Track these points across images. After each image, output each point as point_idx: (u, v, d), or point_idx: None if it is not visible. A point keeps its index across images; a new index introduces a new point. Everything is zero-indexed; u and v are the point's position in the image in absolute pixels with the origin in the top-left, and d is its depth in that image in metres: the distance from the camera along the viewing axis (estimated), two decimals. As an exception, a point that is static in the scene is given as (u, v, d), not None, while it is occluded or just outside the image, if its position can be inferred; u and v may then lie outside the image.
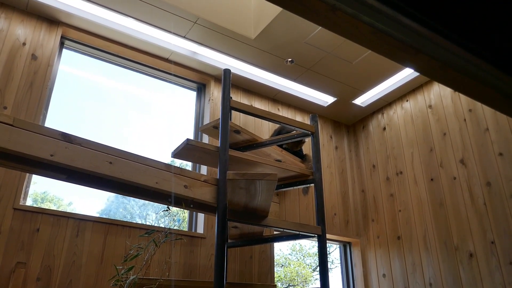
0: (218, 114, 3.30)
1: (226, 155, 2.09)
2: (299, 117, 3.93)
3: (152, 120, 3.33)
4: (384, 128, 3.90)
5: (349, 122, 4.32)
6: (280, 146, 3.10)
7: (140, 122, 3.26)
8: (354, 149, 4.19)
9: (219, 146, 2.13)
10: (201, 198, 1.95)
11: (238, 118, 3.48)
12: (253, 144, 2.71)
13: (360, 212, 3.90)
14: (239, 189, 1.77)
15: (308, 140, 3.24)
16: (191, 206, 1.99)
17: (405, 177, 3.58)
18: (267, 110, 3.55)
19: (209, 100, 3.41)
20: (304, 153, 3.28)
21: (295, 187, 2.54)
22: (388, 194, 3.69)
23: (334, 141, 4.11)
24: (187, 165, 3.34)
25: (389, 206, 3.64)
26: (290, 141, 2.63)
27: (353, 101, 3.87)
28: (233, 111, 3.06)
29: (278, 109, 3.82)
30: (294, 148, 3.14)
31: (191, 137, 3.35)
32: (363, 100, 3.89)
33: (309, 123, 2.72)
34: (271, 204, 2.26)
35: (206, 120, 3.32)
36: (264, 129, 3.62)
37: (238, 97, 3.58)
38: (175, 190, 1.91)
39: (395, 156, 3.72)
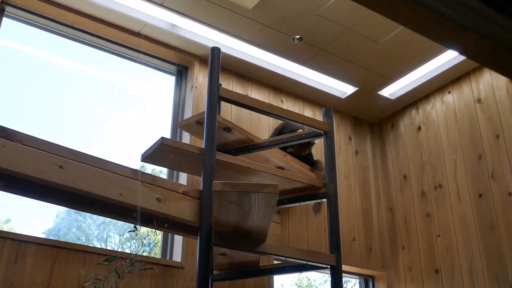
0: (203, 106, 3.30)
1: (212, 159, 2.09)
2: (308, 112, 3.94)
3: (118, 112, 3.33)
4: (419, 128, 3.92)
5: (373, 120, 4.33)
6: (284, 149, 3.11)
7: (103, 115, 3.26)
8: (380, 155, 4.21)
9: (204, 147, 2.13)
10: (178, 216, 1.95)
11: (229, 112, 3.49)
12: (248, 146, 2.71)
13: (387, 237, 3.91)
14: (229, 204, 1.77)
15: (319, 141, 3.24)
16: (166, 225, 1.99)
17: (445, 192, 3.59)
18: (267, 101, 3.56)
19: (192, 87, 3.41)
20: (314, 158, 3.29)
21: (302, 203, 2.54)
22: (423, 213, 3.70)
23: (354, 144, 4.12)
24: (162, 172, 3.33)
25: (425, 230, 3.65)
26: (295, 142, 2.64)
27: (379, 92, 3.89)
28: (222, 103, 3.05)
29: (282, 101, 3.83)
30: (301, 152, 3.15)
31: (168, 135, 3.36)
32: (392, 90, 3.91)
33: (321, 119, 2.72)
34: (271, 224, 2.26)
35: (188, 114, 3.33)
36: (263, 127, 3.63)
37: (229, 85, 3.58)
38: (145, 205, 1.90)
39: (433, 164, 3.74)
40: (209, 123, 2.19)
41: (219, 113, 2.95)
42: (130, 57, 3.38)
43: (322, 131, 2.53)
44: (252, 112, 3.41)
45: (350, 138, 4.13)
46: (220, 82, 2.40)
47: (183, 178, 3.15)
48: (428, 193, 3.71)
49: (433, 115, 3.86)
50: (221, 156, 2.21)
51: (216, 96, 2.27)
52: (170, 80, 3.56)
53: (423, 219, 3.68)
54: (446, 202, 3.56)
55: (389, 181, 4.04)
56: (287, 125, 3.15)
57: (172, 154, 2.20)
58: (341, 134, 4.09)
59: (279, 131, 3.21)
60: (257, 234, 2.03)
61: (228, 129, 2.62)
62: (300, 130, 2.69)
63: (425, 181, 3.75)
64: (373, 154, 4.23)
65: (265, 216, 1.86)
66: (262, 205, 1.77)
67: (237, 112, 3.53)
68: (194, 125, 2.63)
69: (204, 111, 2.29)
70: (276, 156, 2.95)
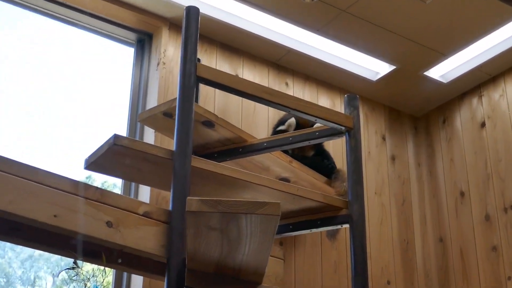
0: (173, 91, 3.31)
1: (186, 166, 2.11)
2: (324, 100, 3.97)
3: (55, 101, 3.34)
4: (483, 124, 3.95)
5: (418, 112, 4.35)
6: (288, 152, 3.13)
7: (34, 99, 3.27)
8: (427, 162, 4.23)
9: (174, 149, 2.14)
10: (137, 247, 1.96)
11: (211, 100, 3.50)
12: (237, 147, 2.72)
13: (436, 280, 3.95)
14: (209, 230, 1.78)
15: (341, 141, 3.27)
16: (119, 261, 2.00)
17: (519, 216, 3.63)
18: (266, 85, 3.58)
19: (158, 64, 3.43)
20: (332, 165, 3.31)
21: (314, 230, 2.56)
22: (488, 246, 3.72)
23: (389, 146, 4.15)
24: (116, 185, 3.35)
25: (490, 269, 3.67)
26: (306, 143, 2.66)
27: (425, 73, 3.92)
28: (202, 86, 3.07)
29: (286, 84, 3.85)
30: (304, 152, 3.22)
31: (123, 132, 3.37)
32: (444, 70, 3.93)
33: (342, 110, 2.74)
34: (269, 260, 2.26)
35: (152, 102, 3.34)
36: (260, 121, 3.65)
37: (212, 60, 3.60)
38: (91, 231, 1.91)
39: (502, 176, 3.77)
40: (182, 115, 2.20)
41: (196, 101, 2.98)
42: (73, 21, 3.38)
43: (343, 128, 2.54)
44: (244, 100, 3.43)
45: (383, 138, 4.16)
46: (198, 56, 2.41)
47: (144, 193, 3.16)
48: (494, 217, 3.74)
49: (503, 106, 3.89)
50: (199, 163, 2.22)
51: (192, 77, 2.27)
52: (128, 54, 3.57)
53: (488, 254, 3.71)
54: (521, 230, 3.59)
55: (440, 200, 4.07)
56: (299, 119, 3.17)
57: (129, 159, 2.20)
58: (371, 132, 4.12)
59: (278, 124, 3.24)
60: (250, 274, 2.02)
61: (209, 123, 2.61)
62: (318, 125, 2.69)
63: (490, 200, 3.78)
64: (417, 161, 4.25)
65: (261, 248, 1.86)
66: (257, 232, 1.78)
67: (223, 100, 3.56)
68: (160, 117, 2.64)
69: (175, 98, 2.30)
70: (278, 163, 2.96)
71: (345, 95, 2.67)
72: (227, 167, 2.32)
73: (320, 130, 2.62)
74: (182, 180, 2.09)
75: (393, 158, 4.14)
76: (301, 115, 2.53)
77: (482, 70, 3.90)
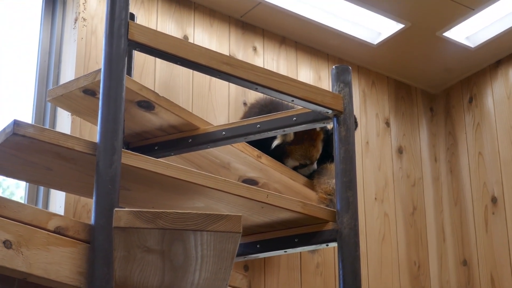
0: (98, 59, 3.31)
1: (114, 164, 2.10)
2: (306, 71, 3.99)
3: None
4: (524, 104, 4.01)
5: (434, 87, 4.41)
6: (262, 144, 3.13)
7: None
8: (446, 156, 4.28)
9: (98, 141, 2.15)
10: (47, 276, 1.96)
11: (151, 74, 3.49)
12: (186, 137, 2.74)
13: (459, 316, 4.00)
14: (146, 253, 1.80)
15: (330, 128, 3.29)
16: (22, 295, 2.01)
17: None
18: (226, 50, 3.59)
19: (75, 19, 3.40)
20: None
21: (290, 251, 2.59)
22: (528, 270, 3.79)
23: (394, 135, 4.20)
24: (19, 186, 3.33)
25: (531, 302, 3.73)
26: (280, 131, 2.69)
27: (445, 34, 3.95)
28: (139, 55, 3.04)
29: (254, 49, 3.86)
30: (309, 157, 3.27)
31: (27, 115, 3.35)
32: (472, 30, 3.97)
33: (329, 88, 2.76)
34: (229, 291, 2.30)
35: (68, 73, 3.33)
36: (218, 100, 3.65)
37: (152, 16, 3.59)
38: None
39: (548, 174, 3.83)
40: (108, 93, 2.19)
41: (129, 74, 2.97)
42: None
43: (330, 111, 2.57)
44: (196, 72, 3.42)
45: (387, 124, 4.20)
46: (133, 11, 2.41)
47: (58, 200, 3.16)
48: (538, 230, 3.80)
49: (550, 79, 3.95)
50: (133, 159, 2.22)
51: (122, 41, 2.27)
52: (35, 6, 3.54)
53: (528, 281, 3.77)
54: None
55: (464, 208, 4.13)
56: (281, 103, 3.19)
57: (34, 154, 2.21)
58: (370, 115, 4.16)
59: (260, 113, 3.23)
60: (202, 311, 2.06)
61: (147, 104, 2.62)
62: (291, 111, 2.72)
63: (533, 206, 3.84)
64: (434, 155, 4.31)
65: (216, 277, 1.88)
66: (210, 255, 1.80)
67: (167, 73, 3.56)
68: (79, 96, 2.64)
69: (99, 70, 2.31)
70: (242, 159, 2.99)
71: (333, 67, 2.69)
72: (171, 166, 2.31)
73: (298, 115, 2.64)
74: (108, 184, 2.08)
75: (400, 151, 4.18)
76: (273, 94, 2.55)
77: (523, 31, 3.95)
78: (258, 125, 2.67)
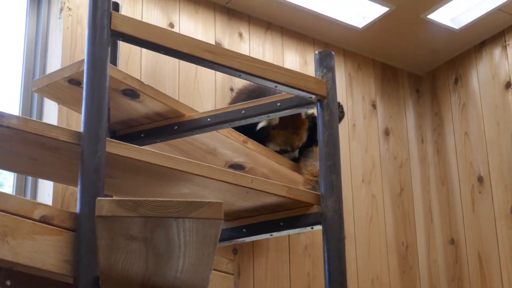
0: (82, 48, 3.28)
1: (99, 153, 2.11)
2: (292, 56, 3.99)
3: None
4: (509, 85, 4.01)
5: (420, 69, 4.42)
6: (247, 128, 3.13)
7: None
8: (433, 137, 4.31)
9: (82, 130, 2.15)
10: (33, 264, 1.95)
11: (136, 61, 3.50)
12: (172, 124, 2.75)
13: (446, 295, 4.04)
14: (129, 241, 1.79)
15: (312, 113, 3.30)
16: (8, 284, 2.01)
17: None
18: (212, 37, 3.60)
19: (61, 9, 3.38)
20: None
21: (275, 234, 2.61)
22: (515, 249, 3.81)
23: (381, 117, 4.22)
24: (6, 177, 3.34)
25: (518, 280, 3.76)
26: (264, 117, 2.71)
27: (429, 16, 3.95)
28: (125, 45, 3.03)
29: (240, 35, 3.87)
30: (291, 143, 3.28)
31: (14, 106, 3.34)
32: (456, 12, 3.97)
33: (313, 73, 2.76)
34: (214, 277, 2.29)
35: (55, 63, 3.32)
36: (204, 87, 3.66)
37: (137, 5, 3.58)
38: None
39: (532, 154, 3.84)
40: (92, 82, 2.19)
41: (115, 64, 2.97)
42: None
43: (313, 96, 2.59)
44: (182, 62, 3.42)
45: (374, 106, 4.22)
46: (117, 0, 2.40)
47: (46, 189, 3.17)
48: (524, 209, 3.80)
49: (536, 59, 3.96)
50: (118, 148, 2.22)
51: (105, 31, 2.28)
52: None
53: (515, 260, 3.79)
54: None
55: (451, 189, 4.15)
56: (268, 88, 3.20)
57: (20, 145, 2.22)
58: (356, 98, 4.17)
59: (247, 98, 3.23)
60: (187, 297, 2.07)
61: (132, 93, 2.63)
62: (276, 96, 2.73)
63: (518, 186, 3.85)
64: (420, 136, 4.32)
65: (200, 262, 1.88)
66: (193, 242, 1.80)
67: (153, 61, 3.56)
68: (65, 86, 2.64)
69: (84, 60, 2.31)
70: (228, 144, 3.00)
71: (316, 52, 2.71)
72: (156, 153, 2.32)
73: (282, 100, 2.66)
74: (93, 173, 2.09)
75: (387, 133, 4.20)
76: (256, 81, 2.56)
77: (507, 11, 3.94)
78: (243, 111, 2.68)
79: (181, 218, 1.72)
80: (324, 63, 2.66)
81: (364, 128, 4.12)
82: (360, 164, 4.03)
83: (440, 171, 4.24)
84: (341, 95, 4.01)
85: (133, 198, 1.74)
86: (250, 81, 2.66)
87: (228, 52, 2.54)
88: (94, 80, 2.21)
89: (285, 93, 2.63)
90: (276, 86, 2.56)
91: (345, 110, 3.95)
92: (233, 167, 3.12)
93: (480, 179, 4.01)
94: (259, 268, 3.53)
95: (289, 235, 3.59)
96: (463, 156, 4.13)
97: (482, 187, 3.99)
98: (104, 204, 1.72)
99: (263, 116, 2.71)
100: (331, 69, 2.65)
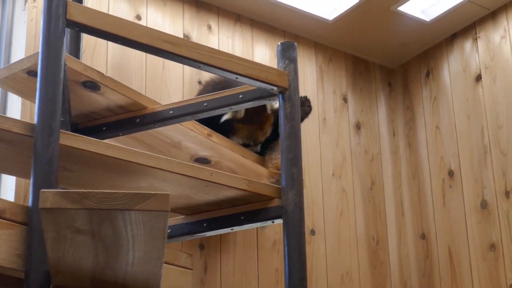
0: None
1: (52, 145, 2.09)
2: (261, 48, 3.99)
3: None
4: (479, 77, 4.01)
5: (392, 62, 4.41)
6: (211, 120, 3.12)
7: None
8: (404, 130, 4.30)
9: (35, 122, 2.13)
10: None
11: (102, 53, 3.47)
12: (134, 117, 2.74)
13: (417, 290, 4.04)
14: (76, 233, 1.78)
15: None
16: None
17: (526, 201, 3.71)
18: (180, 29, 3.58)
19: (25, 1, 3.37)
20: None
21: (236, 228, 2.60)
22: (485, 243, 3.79)
23: (352, 110, 4.21)
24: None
25: (488, 274, 3.73)
26: (227, 109, 2.70)
27: (399, 8, 3.93)
28: (90, 37, 3.01)
29: (209, 27, 3.85)
30: (255, 138, 3.28)
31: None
32: (426, 4, 3.96)
33: (276, 65, 2.75)
34: (170, 270, 2.29)
35: (19, 55, 3.31)
36: (172, 79, 3.65)
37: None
38: None
39: (503, 149, 3.82)
40: (45, 74, 2.17)
41: (77, 55, 2.96)
42: None
43: (275, 88, 2.57)
44: (149, 55, 3.40)
45: (345, 100, 4.21)
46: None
47: (8, 183, 3.16)
48: (493, 204, 3.79)
49: (505, 51, 3.93)
50: (71, 140, 2.20)
51: (61, 21, 2.26)
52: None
53: (485, 254, 3.77)
54: (528, 221, 3.66)
55: (422, 183, 4.15)
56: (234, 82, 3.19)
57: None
58: (327, 91, 4.16)
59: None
60: (139, 291, 2.07)
61: (92, 85, 2.60)
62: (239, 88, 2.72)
63: (488, 181, 3.84)
64: (392, 130, 4.32)
65: (150, 256, 1.87)
66: (141, 234, 1.79)
67: (120, 53, 3.54)
68: (24, 78, 2.63)
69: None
70: (192, 138, 2.98)
71: (278, 43, 2.69)
72: (112, 146, 2.30)
73: (244, 92, 2.65)
74: (45, 165, 2.07)
75: (358, 127, 4.19)
76: (216, 72, 2.55)
77: (478, 3, 3.94)
78: (205, 104, 2.67)
79: (127, 210, 1.70)
80: (287, 54, 2.64)
81: (335, 122, 4.11)
82: (330, 158, 4.02)
83: (411, 165, 4.24)
84: (312, 89, 4.03)
85: (78, 190, 1.72)
86: (210, 72, 2.64)
87: (188, 43, 2.54)
88: (48, 71, 2.18)
89: (248, 85, 2.62)
90: (237, 78, 2.54)
91: (315, 103, 3.97)
92: (199, 160, 3.12)
93: (451, 173, 4.01)
94: (227, 264, 3.52)
95: (257, 230, 3.59)
96: (434, 150, 4.13)
97: (453, 181, 3.99)
98: (49, 196, 1.70)
99: (225, 108, 2.70)
100: (293, 61, 2.63)
